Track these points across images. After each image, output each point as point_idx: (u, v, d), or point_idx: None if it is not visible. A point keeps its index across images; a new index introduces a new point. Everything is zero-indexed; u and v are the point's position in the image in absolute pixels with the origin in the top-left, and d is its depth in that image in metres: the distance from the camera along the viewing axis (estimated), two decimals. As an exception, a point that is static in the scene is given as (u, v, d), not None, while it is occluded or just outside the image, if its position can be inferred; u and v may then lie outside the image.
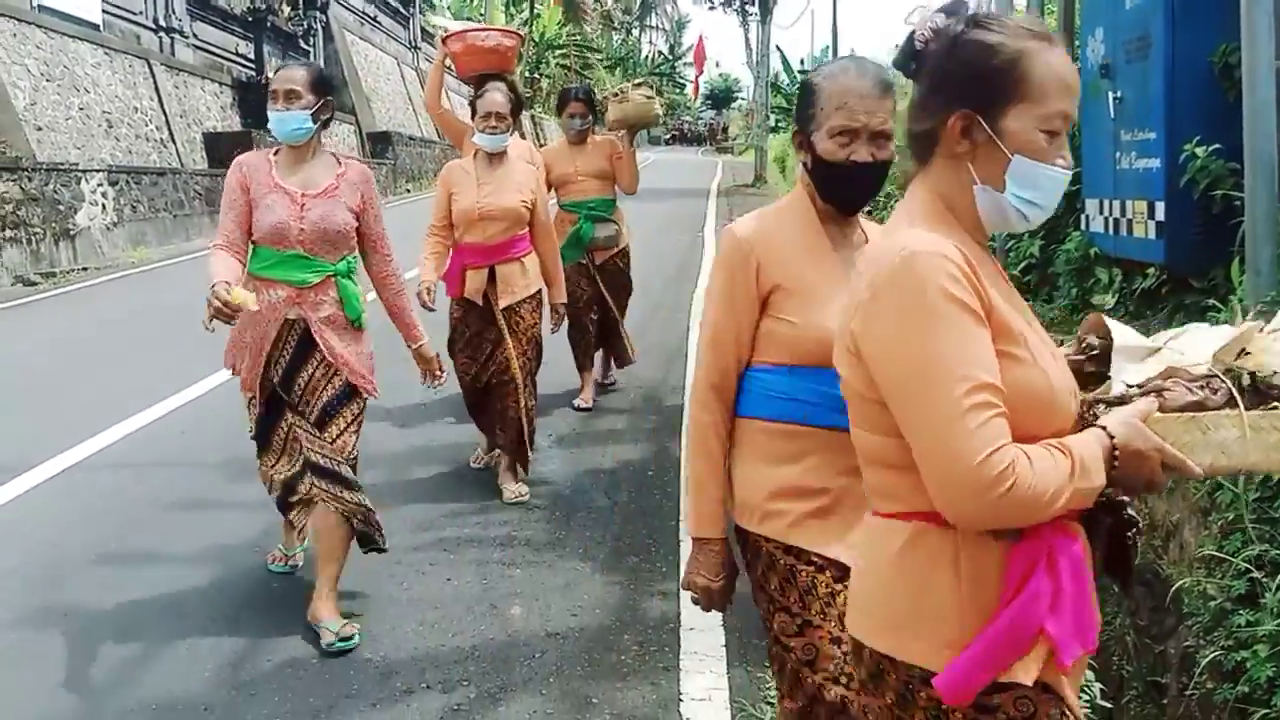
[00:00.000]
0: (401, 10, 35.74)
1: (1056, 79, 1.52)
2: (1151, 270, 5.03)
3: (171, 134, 18.75)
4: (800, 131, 2.21)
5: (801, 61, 45.11)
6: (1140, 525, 1.57)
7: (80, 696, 3.30)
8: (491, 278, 4.85)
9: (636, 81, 7.03)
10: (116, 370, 7.60)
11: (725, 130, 57.82)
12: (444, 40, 5.97)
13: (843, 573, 2.00)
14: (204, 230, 17.35)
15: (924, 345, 1.41)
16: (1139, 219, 5.07)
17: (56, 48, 15.80)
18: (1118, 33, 5.29)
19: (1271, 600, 3.36)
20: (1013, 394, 1.44)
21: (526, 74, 38.50)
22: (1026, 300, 5.35)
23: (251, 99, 22.07)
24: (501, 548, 4.38)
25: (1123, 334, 1.74)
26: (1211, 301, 4.47)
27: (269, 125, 3.56)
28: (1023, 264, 6.26)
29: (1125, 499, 1.58)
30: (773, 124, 33.64)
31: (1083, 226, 5.76)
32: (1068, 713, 1.49)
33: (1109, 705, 3.78)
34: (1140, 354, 1.68)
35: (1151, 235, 4.97)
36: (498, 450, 5.15)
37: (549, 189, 5.97)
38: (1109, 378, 1.70)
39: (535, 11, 39.75)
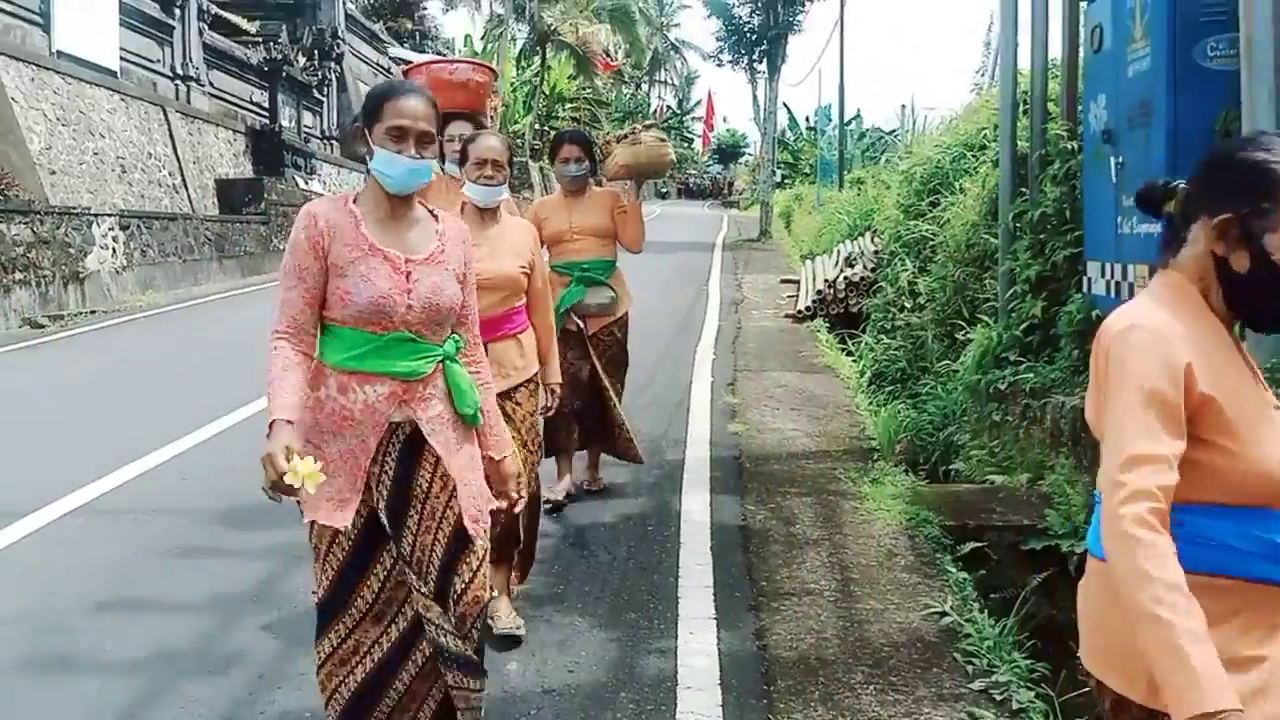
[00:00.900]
0: (414, 62, 36.15)
1: None
2: (1153, 334, 5.04)
3: (184, 180, 18.95)
4: (1235, 221, 1.74)
5: (808, 119, 45.55)
6: None
7: (72, 746, 3.28)
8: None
9: (647, 123, 6.06)
10: (119, 415, 7.62)
11: (730, 185, 58.27)
12: (404, 74, 5.16)
13: None
14: (213, 275, 17.48)
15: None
16: (1141, 283, 5.10)
17: (73, 93, 16.03)
18: (1120, 99, 5.36)
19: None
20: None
21: (537, 126, 38.92)
22: (1028, 360, 5.34)
23: (264, 146, 22.35)
24: (499, 602, 4.36)
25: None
26: (1212, 367, 4.49)
27: (378, 167, 2.65)
28: (1024, 324, 6.29)
29: None
30: (778, 179, 33.93)
31: (1085, 289, 5.79)
32: None
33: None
34: None
35: (1153, 299, 4.99)
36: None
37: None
38: None
39: (546, 64, 40.25)
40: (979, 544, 5.06)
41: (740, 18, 27.86)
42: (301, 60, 25.34)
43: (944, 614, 4.12)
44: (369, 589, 2.73)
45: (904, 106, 30.49)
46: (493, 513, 2.90)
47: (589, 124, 41.43)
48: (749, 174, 52.72)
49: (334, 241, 2.62)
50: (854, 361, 10.16)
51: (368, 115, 2.68)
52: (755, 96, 31.06)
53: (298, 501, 2.60)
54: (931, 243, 10.08)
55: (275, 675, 3.67)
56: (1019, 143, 6.93)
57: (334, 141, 27.53)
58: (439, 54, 38.45)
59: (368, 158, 2.67)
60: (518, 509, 3.11)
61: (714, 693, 3.55)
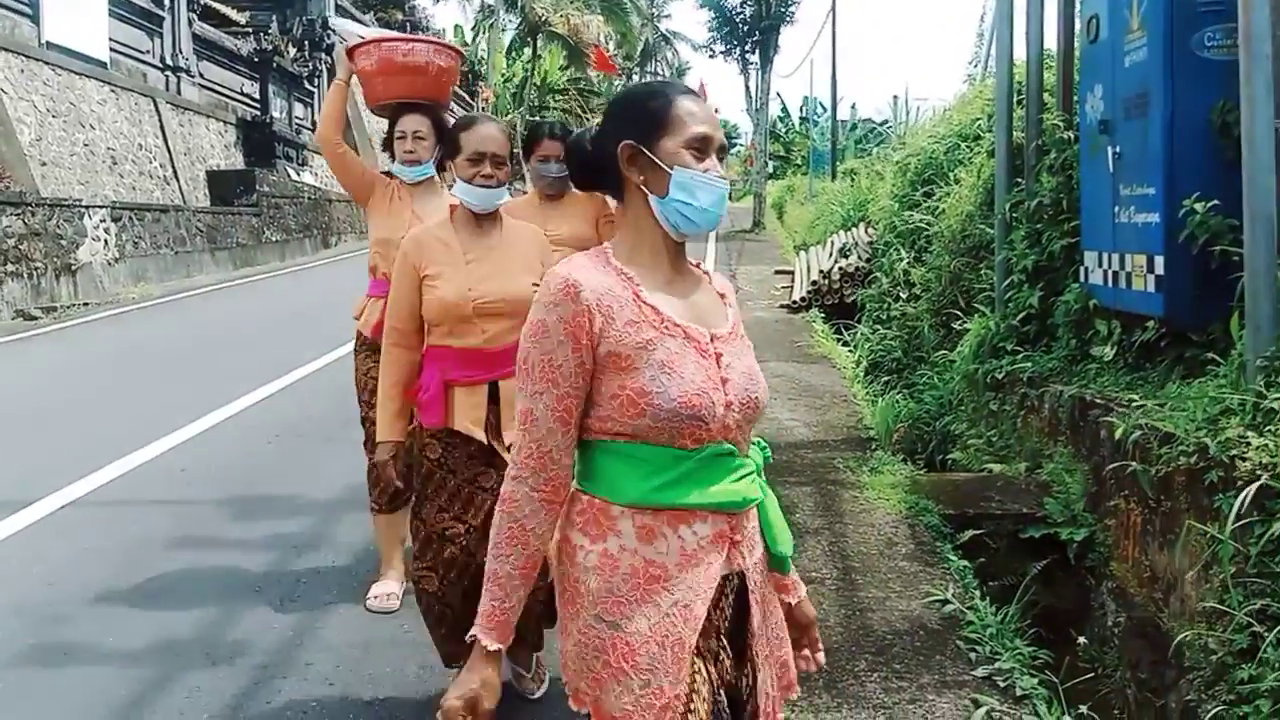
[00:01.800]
0: (405, 52, 35.97)
1: None
2: (1151, 323, 5.07)
3: (175, 171, 18.87)
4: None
5: (801, 109, 45.54)
6: None
7: (77, 737, 3.28)
8: (493, 398, 3.19)
9: None
10: (116, 406, 7.60)
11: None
12: (349, 54, 4.28)
13: None
14: (205, 267, 17.42)
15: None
16: (1138, 272, 5.12)
17: (63, 84, 15.94)
18: (1117, 89, 5.36)
19: (1273, 655, 3.35)
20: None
21: (528, 117, 38.83)
22: (1025, 349, 5.31)
23: (255, 137, 22.28)
24: (501, 591, 4.36)
25: None
26: (1211, 355, 4.51)
27: (680, 196, 1.83)
28: (1021, 314, 6.30)
29: None
30: (771, 170, 33.89)
31: (1081, 278, 5.80)
32: None
33: (1111, 760, 3.76)
34: None
35: (1151, 289, 5.01)
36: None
37: None
38: None
39: (537, 55, 40.16)
40: (978, 532, 5.08)
41: (732, 8, 27.80)
42: (292, 51, 25.24)
43: (945, 601, 4.14)
44: None
45: (896, 98, 30.47)
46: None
47: (580, 115, 41.35)
48: (740, 165, 52.65)
49: (611, 319, 1.75)
50: (850, 351, 10.17)
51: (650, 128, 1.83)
52: (748, 88, 31.03)
53: None
54: (926, 233, 10.09)
55: (280, 666, 3.67)
56: (1014, 133, 6.93)
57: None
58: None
59: (654, 196, 1.83)
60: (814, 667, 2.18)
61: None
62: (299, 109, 26.12)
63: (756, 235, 26.10)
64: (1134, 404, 4.64)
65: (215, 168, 20.48)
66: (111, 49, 17.75)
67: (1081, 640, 4.81)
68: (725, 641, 1.84)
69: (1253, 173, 4.10)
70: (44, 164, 14.83)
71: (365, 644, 3.86)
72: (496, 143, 3.16)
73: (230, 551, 4.76)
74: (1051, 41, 6.82)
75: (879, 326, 10.22)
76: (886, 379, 9.03)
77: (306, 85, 26.26)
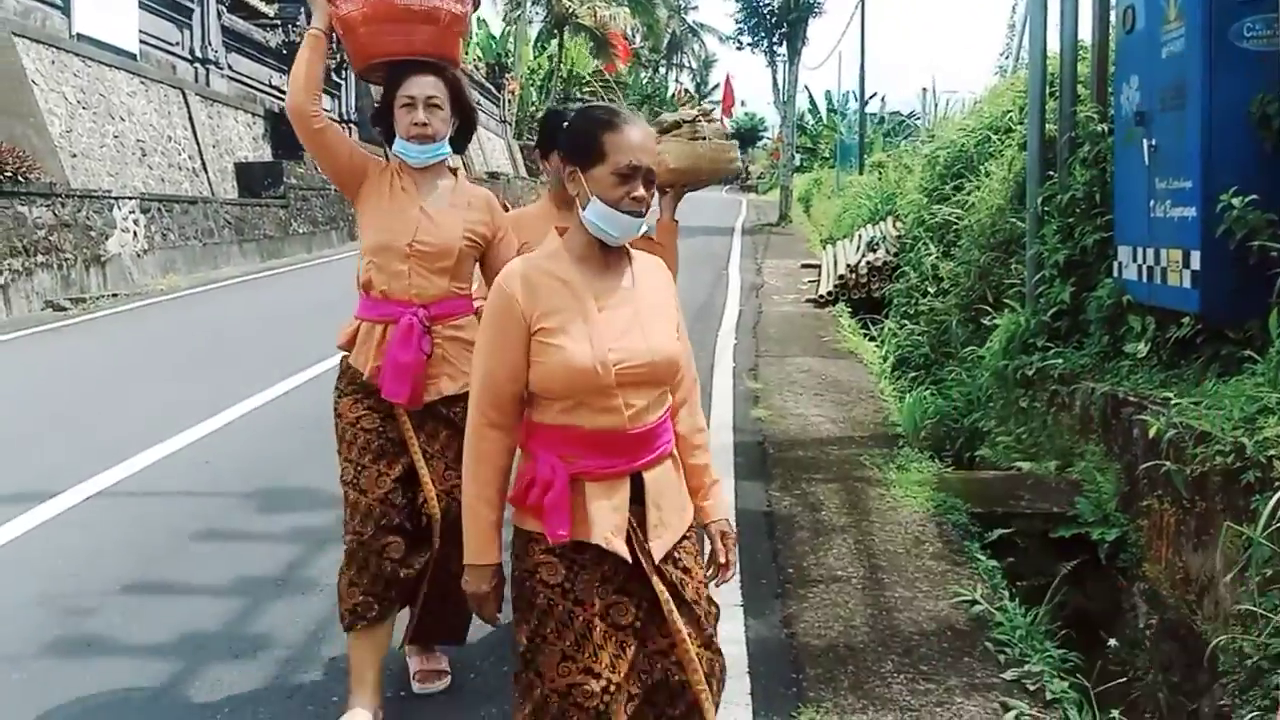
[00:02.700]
0: (432, 45, 36.00)
1: None
2: (1186, 319, 4.98)
3: (204, 163, 18.96)
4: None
5: (828, 101, 45.29)
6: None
7: (100, 730, 3.28)
8: (636, 496, 2.39)
9: (706, 110, 3.96)
10: (142, 398, 7.63)
11: (748, 170, 58.06)
12: None
13: None
14: (233, 259, 17.50)
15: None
16: (1174, 267, 5.03)
17: (94, 76, 16.04)
18: (1153, 81, 5.27)
19: (1313, 662, 3.28)
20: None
21: (555, 108, 38.81)
22: (1056, 345, 5.22)
23: (283, 129, 22.32)
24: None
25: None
26: (1248, 353, 4.42)
27: None
28: (1053, 310, 6.21)
29: None
30: (798, 163, 33.72)
31: (1115, 273, 5.71)
32: None
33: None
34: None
35: (1186, 284, 4.92)
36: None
37: None
38: None
39: (563, 47, 40.12)
40: (1007, 531, 5.01)
41: (760, 0, 27.65)
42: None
43: (974, 602, 4.08)
44: None
45: (925, 90, 30.26)
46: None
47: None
48: (767, 158, 52.43)
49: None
50: (877, 347, 10.09)
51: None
52: (775, 80, 30.88)
53: None
54: (955, 227, 9.98)
55: (303, 659, 3.66)
56: (1047, 125, 6.83)
57: (352, 125, 27.51)
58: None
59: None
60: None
61: (743, 681, 3.51)
62: (326, 100, 26.14)
63: (783, 229, 25.97)
64: (1169, 402, 4.55)
65: (243, 160, 20.55)
66: (141, 41, 17.84)
67: (1112, 642, 4.74)
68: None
69: (1294, 166, 4.00)
70: (74, 155, 14.92)
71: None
72: (651, 154, 2.27)
73: (254, 544, 4.75)
74: (1085, 32, 6.71)
75: (906, 321, 10.12)
76: (914, 375, 8.94)
77: (334, 77, 26.33)
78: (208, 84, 20.20)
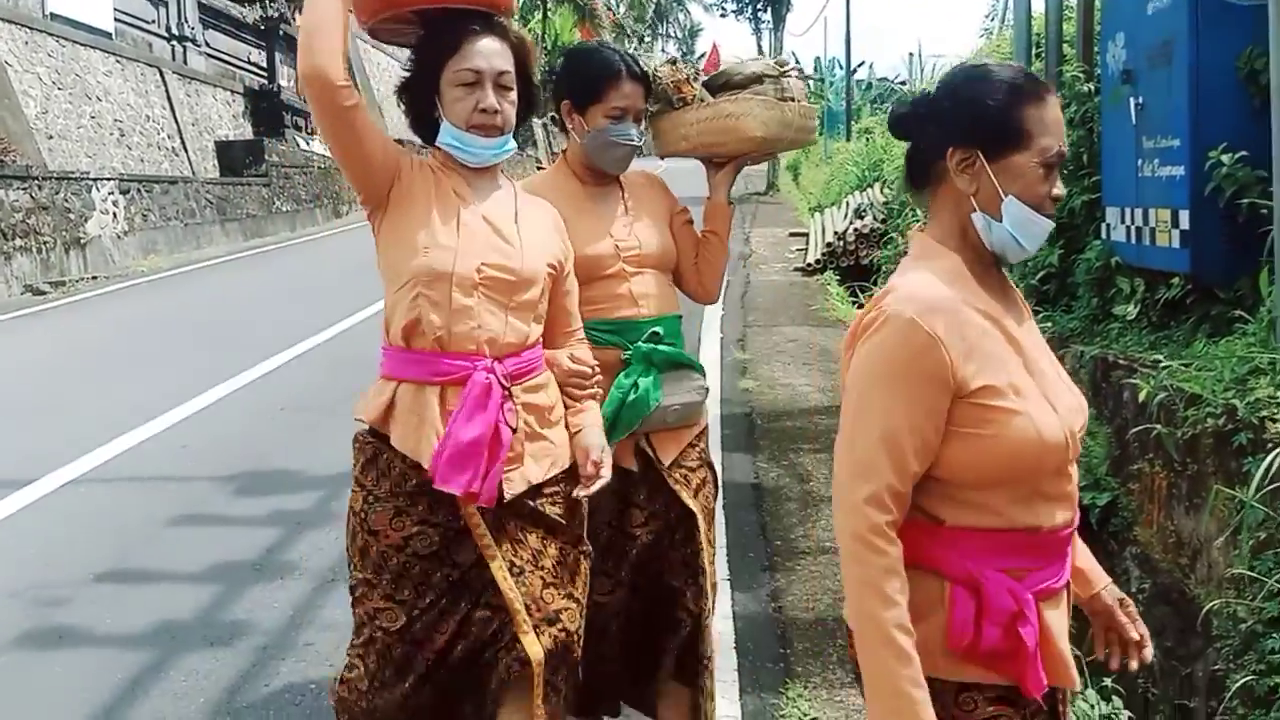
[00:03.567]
0: (414, 18, 35.73)
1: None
2: (1176, 280, 4.90)
3: (184, 142, 18.76)
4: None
5: (816, 68, 45.01)
6: None
7: (71, 723, 3.21)
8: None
9: (782, 61, 3.15)
10: (121, 382, 7.53)
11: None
12: None
13: None
14: (215, 239, 17.34)
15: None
16: (1162, 228, 4.94)
17: (68, 56, 15.82)
18: (1140, 37, 5.17)
19: (1308, 626, 3.23)
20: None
21: (540, 79, 38.52)
22: (1045, 309, 5.14)
23: (264, 106, 22.12)
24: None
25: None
26: (1239, 313, 4.35)
27: None
28: (1041, 273, 6.13)
29: None
30: (785, 131, 33.41)
31: (1103, 235, 5.63)
32: None
33: (1137, 733, 3.65)
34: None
35: (1176, 244, 4.84)
36: None
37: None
38: None
39: (547, 18, 39.79)
40: (997, 499, 4.95)
41: (744, -34, 27.40)
42: (298, 17, 25.01)
43: (963, 572, 4.02)
44: None
45: (911, 55, 30.09)
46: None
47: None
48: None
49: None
50: (865, 314, 10.00)
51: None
52: (760, 47, 30.67)
53: None
54: (942, 192, 9.88)
55: (279, 646, 3.59)
56: (1033, 86, 6.72)
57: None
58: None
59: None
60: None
61: (729, 656, 3.46)
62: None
63: (771, 197, 25.83)
64: (1159, 364, 4.48)
65: (224, 138, 20.35)
66: (116, 19, 17.60)
67: (1105, 607, 4.69)
68: None
69: (1283, 121, 3.91)
70: (50, 137, 14.74)
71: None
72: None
73: (231, 529, 4.68)
74: (1071, -11, 6.61)
75: (895, 288, 10.03)
76: (903, 342, 8.86)
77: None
78: (185, 62, 19.96)
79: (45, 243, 13.04)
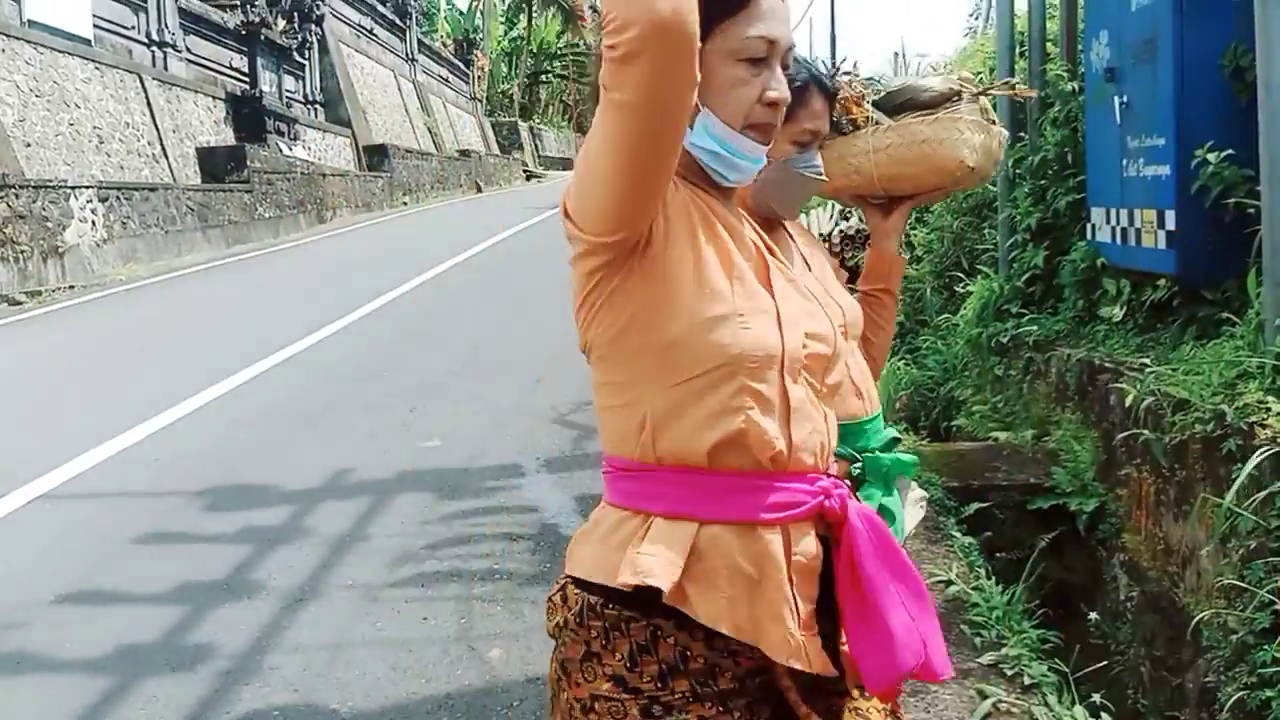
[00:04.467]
0: (398, 23, 35.65)
1: None
2: (1162, 282, 4.82)
3: (164, 149, 18.58)
4: None
5: (800, 69, 45.01)
6: None
7: (25, 754, 3.09)
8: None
9: (966, 76, 2.29)
10: (92, 394, 7.38)
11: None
12: None
13: None
14: (197, 246, 17.16)
15: None
16: (1148, 228, 4.86)
17: (46, 63, 15.64)
18: (1123, 35, 5.09)
19: (1301, 639, 3.15)
20: None
21: (525, 83, 38.40)
22: (1031, 311, 5.02)
23: (245, 112, 21.94)
24: (483, 582, 4.16)
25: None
26: (1226, 315, 4.26)
27: None
28: (1026, 275, 6.05)
29: None
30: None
31: (1088, 236, 5.55)
32: None
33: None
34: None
35: (1162, 245, 4.76)
36: None
37: None
38: None
39: (532, 21, 39.66)
40: (984, 505, 4.86)
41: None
42: (281, 23, 24.83)
43: (950, 583, 3.92)
44: None
45: (896, 54, 30.03)
46: None
47: (577, 80, 40.84)
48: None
49: None
50: (850, 316, 9.91)
51: None
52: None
53: None
54: (927, 192, 9.80)
55: (243, 670, 3.47)
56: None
57: (318, 105, 27.08)
58: (419, 23, 37.47)
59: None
60: None
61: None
62: (289, 82, 25.74)
63: (757, 199, 25.75)
64: (1146, 368, 4.40)
65: (205, 144, 20.15)
66: (95, 26, 17.42)
67: (1093, 615, 4.61)
68: None
69: (1270, 118, 3.83)
70: (28, 145, 14.56)
71: (335, 644, 3.65)
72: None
73: (200, 546, 4.55)
74: (1053, -13, 6.53)
75: (880, 290, 9.94)
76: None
77: (296, 57, 25.88)
78: (165, 68, 19.78)
79: (22, 252, 12.86)
